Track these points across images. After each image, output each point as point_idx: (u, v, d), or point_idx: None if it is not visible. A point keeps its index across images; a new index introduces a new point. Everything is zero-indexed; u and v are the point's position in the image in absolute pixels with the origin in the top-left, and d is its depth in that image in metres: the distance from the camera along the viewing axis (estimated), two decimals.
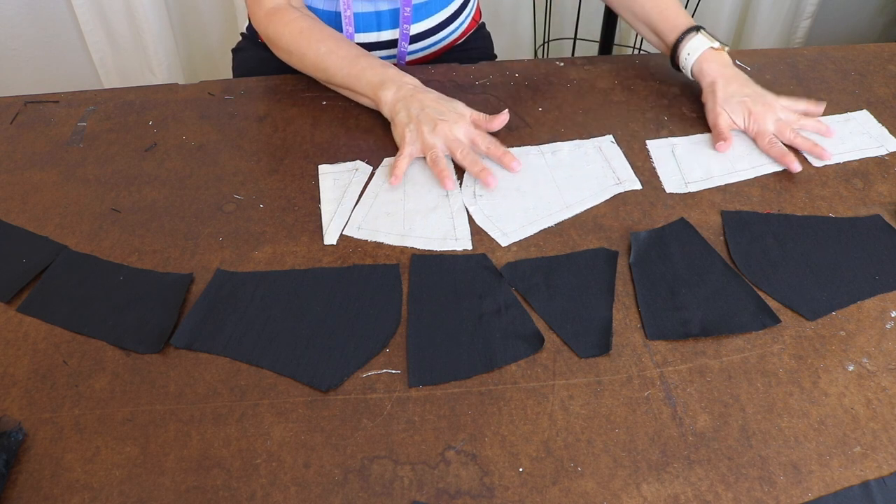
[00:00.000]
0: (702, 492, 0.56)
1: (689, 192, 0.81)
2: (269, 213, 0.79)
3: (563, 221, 0.77)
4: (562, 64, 1.01)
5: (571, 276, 0.71)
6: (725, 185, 0.82)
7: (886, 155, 0.84)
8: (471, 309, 0.69)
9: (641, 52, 1.95)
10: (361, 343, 0.66)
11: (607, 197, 0.80)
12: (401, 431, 0.60)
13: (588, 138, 0.88)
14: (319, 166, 0.84)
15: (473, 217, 0.78)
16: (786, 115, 0.87)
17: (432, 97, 0.85)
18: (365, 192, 0.81)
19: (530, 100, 0.94)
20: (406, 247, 0.74)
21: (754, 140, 0.87)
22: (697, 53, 0.90)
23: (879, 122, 0.91)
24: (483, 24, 1.22)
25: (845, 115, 0.92)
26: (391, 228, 0.76)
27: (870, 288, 0.71)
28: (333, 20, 1.01)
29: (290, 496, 0.56)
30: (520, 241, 0.75)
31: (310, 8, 1.00)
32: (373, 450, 0.59)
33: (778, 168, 0.84)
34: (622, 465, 0.58)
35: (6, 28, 1.75)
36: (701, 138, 0.89)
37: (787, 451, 0.58)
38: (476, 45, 1.18)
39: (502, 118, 0.86)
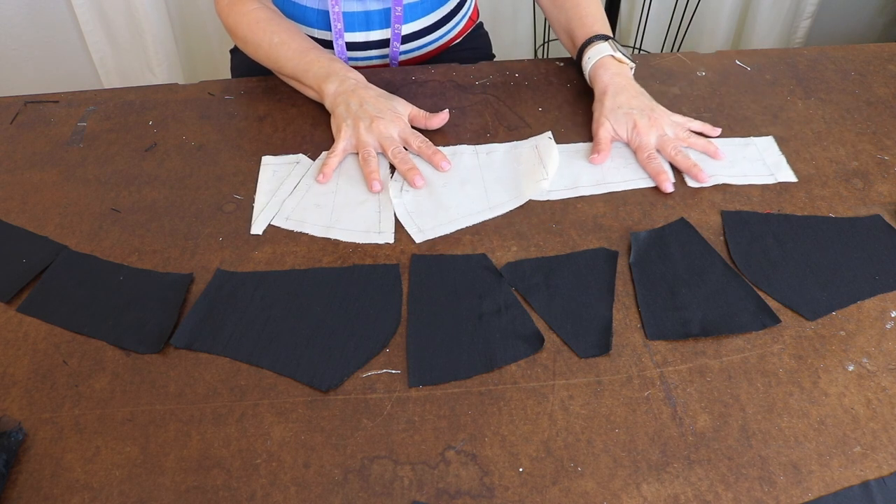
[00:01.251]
0: (702, 492, 0.56)
1: (689, 190, 0.81)
2: None
3: (486, 222, 0.77)
4: (562, 64, 1.00)
5: (571, 276, 0.71)
6: (591, 195, 0.80)
7: (774, 184, 0.80)
8: (471, 309, 0.69)
9: (641, 52, 1.95)
10: (361, 343, 0.66)
11: (528, 199, 0.79)
12: (401, 431, 0.60)
13: (527, 138, 0.88)
14: (263, 157, 0.85)
15: (396, 211, 0.78)
16: (673, 131, 0.84)
17: (373, 94, 0.86)
18: (299, 184, 0.82)
19: (530, 100, 0.94)
20: (329, 238, 0.76)
21: (635, 153, 0.84)
22: (596, 59, 0.90)
23: (780, 150, 0.86)
24: (481, 23, 1.22)
25: (747, 139, 0.88)
26: (318, 220, 0.77)
27: (870, 288, 0.71)
28: (322, 18, 1.00)
29: (290, 496, 0.56)
30: (520, 239, 0.75)
31: (298, 6, 1.00)
32: (373, 450, 0.59)
33: (651, 184, 0.81)
34: (622, 465, 0.58)
35: (6, 28, 1.75)
36: (580, 147, 0.86)
37: (787, 451, 0.58)
38: (473, 45, 1.17)
39: (441, 117, 0.87)
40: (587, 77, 0.93)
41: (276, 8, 0.98)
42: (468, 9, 1.13)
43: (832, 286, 0.71)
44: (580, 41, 0.94)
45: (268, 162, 0.84)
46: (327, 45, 1.02)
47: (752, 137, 0.88)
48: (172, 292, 0.70)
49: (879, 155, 0.86)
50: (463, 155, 0.85)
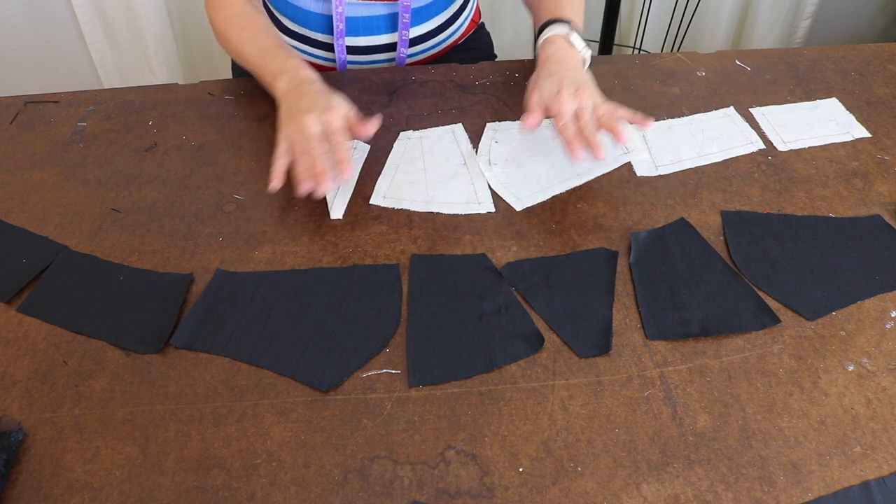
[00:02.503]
0: (702, 492, 0.56)
1: (688, 191, 0.81)
2: (269, 213, 0.79)
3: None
4: None
5: (571, 276, 0.71)
6: (696, 167, 0.84)
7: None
8: (471, 309, 0.69)
9: (641, 51, 1.95)
10: (361, 343, 0.66)
11: (616, 166, 0.84)
12: (401, 431, 0.60)
13: None
14: None
15: (490, 183, 0.82)
16: (594, 102, 0.79)
17: (314, 89, 0.81)
18: (386, 165, 0.84)
19: None
20: (432, 212, 0.78)
21: (554, 120, 0.80)
22: (548, 35, 0.88)
23: (848, 110, 0.92)
24: (482, 24, 1.22)
25: (814, 102, 0.93)
26: (415, 196, 0.80)
27: (870, 288, 0.71)
28: (325, 23, 1.00)
29: (290, 496, 0.56)
30: (520, 239, 0.75)
31: (301, 10, 0.99)
32: (373, 450, 0.59)
33: (747, 151, 0.86)
34: (622, 465, 0.58)
35: (6, 28, 1.75)
36: (669, 123, 0.90)
37: (787, 451, 0.58)
38: (476, 46, 1.17)
39: (371, 126, 0.78)
40: (537, 48, 0.90)
41: (258, 2, 0.98)
42: (470, 10, 1.14)
43: (832, 286, 0.71)
44: (543, 18, 0.92)
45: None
46: (330, 48, 1.02)
47: (817, 101, 0.93)
48: (172, 292, 0.70)
49: (879, 155, 0.86)
50: (541, 128, 0.87)
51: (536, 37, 0.92)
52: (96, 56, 1.84)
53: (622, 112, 0.79)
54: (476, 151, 0.86)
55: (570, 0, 0.94)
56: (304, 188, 0.73)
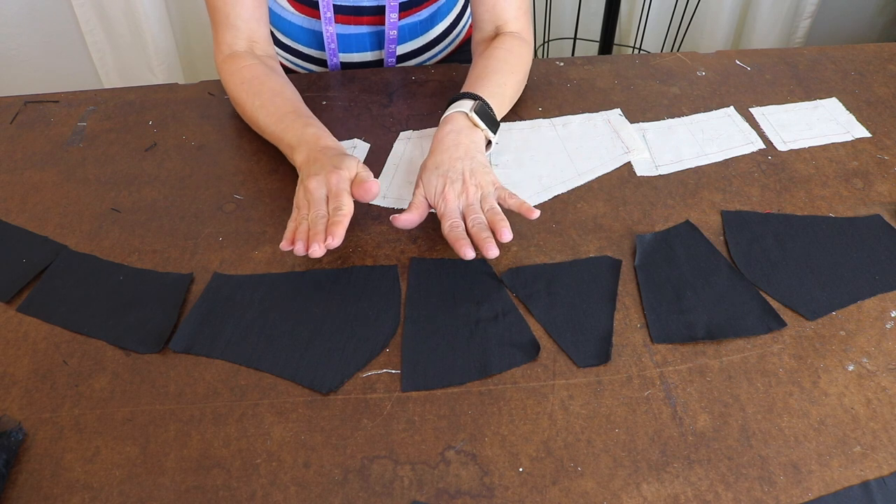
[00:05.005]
0: (702, 492, 0.56)
1: (688, 191, 0.81)
2: (269, 213, 0.79)
3: (573, 189, 0.80)
4: (562, 64, 1.00)
5: (573, 284, 0.71)
6: (696, 167, 0.84)
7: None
8: (468, 314, 0.68)
9: (641, 51, 1.95)
10: (361, 345, 0.66)
11: (617, 165, 0.84)
12: (401, 431, 0.60)
13: (597, 111, 0.91)
14: None
15: None
16: (482, 193, 0.74)
17: (330, 154, 0.75)
18: (385, 165, 0.84)
19: (530, 100, 0.94)
20: (433, 212, 0.75)
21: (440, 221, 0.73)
22: (449, 112, 0.81)
23: (848, 110, 0.93)
24: None
25: (815, 102, 0.93)
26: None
27: (870, 288, 0.71)
28: (311, 37, 1.00)
29: (290, 496, 0.56)
30: (520, 239, 0.75)
31: (285, 21, 0.99)
32: (373, 450, 0.59)
33: (747, 151, 0.86)
34: (622, 465, 0.58)
35: (6, 28, 1.75)
36: (669, 123, 0.90)
37: (787, 451, 0.58)
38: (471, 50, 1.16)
39: (371, 189, 0.72)
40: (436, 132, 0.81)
41: (272, 59, 0.91)
42: (466, 21, 1.11)
43: (832, 286, 0.71)
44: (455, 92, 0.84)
45: None
46: (320, 63, 1.02)
47: (818, 100, 0.93)
48: (172, 292, 0.70)
49: (879, 155, 0.86)
50: (542, 128, 0.89)
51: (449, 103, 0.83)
52: (96, 56, 1.84)
53: (512, 201, 0.74)
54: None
55: (500, 70, 0.86)
56: (286, 246, 0.69)
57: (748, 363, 0.65)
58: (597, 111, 0.92)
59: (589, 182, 0.82)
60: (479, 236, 0.70)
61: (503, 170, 0.84)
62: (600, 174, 0.83)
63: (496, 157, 0.85)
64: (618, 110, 0.92)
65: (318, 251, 0.67)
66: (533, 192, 0.81)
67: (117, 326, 0.67)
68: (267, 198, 0.80)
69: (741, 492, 0.56)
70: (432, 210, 0.75)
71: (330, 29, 0.96)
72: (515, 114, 0.91)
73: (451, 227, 0.71)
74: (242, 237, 0.76)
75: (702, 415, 0.61)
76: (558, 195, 0.80)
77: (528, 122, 0.90)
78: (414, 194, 0.75)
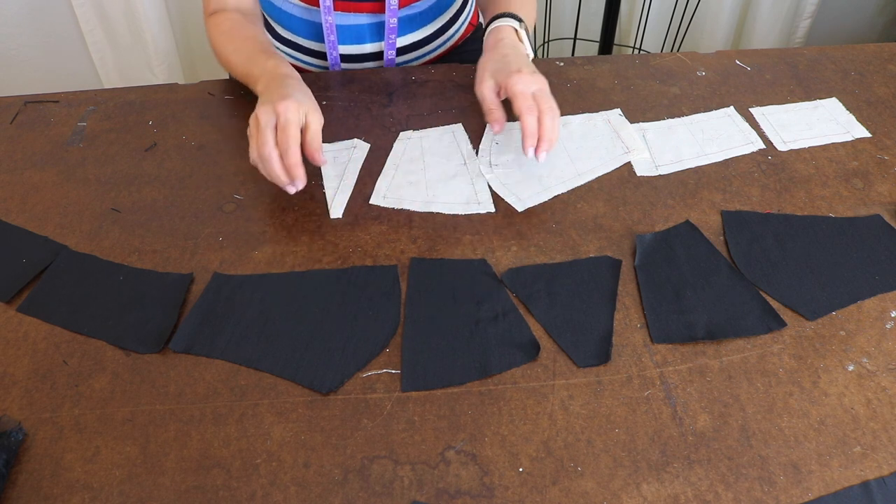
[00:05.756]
0: (702, 492, 0.56)
1: (688, 191, 0.81)
2: (269, 213, 0.79)
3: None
4: (562, 64, 1.00)
5: (574, 284, 0.71)
6: (696, 167, 0.84)
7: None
8: (468, 314, 0.68)
9: (641, 51, 1.95)
10: (361, 345, 0.66)
11: (617, 165, 0.84)
12: (401, 431, 0.60)
13: (597, 111, 0.92)
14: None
15: (491, 185, 0.82)
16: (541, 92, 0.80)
17: (286, 83, 0.78)
18: (386, 165, 0.84)
19: None
20: (432, 212, 0.78)
21: (512, 99, 0.79)
22: (498, 24, 0.88)
23: (848, 110, 0.93)
24: (480, 24, 1.21)
25: (815, 102, 0.93)
26: (416, 196, 0.80)
27: (870, 288, 0.71)
28: (310, 28, 1.00)
29: (290, 496, 0.56)
30: (520, 239, 0.75)
31: (284, 13, 0.99)
32: (373, 450, 0.59)
33: (747, 151, 0.86)
34: (622, 465, 0.58)
35: (6, 28, 1.75)
36: (669, 123, 0.90)
37: (787, 451, 0.58)
38: (473, 48, 1.16)
39: (315, 162, 0.77)
40: (485, 39, 0.90)
41: (252, 14, 0.97)
42: (468, 13, 1.12)
43: (832, 286, 0.71)
44: (495, 13, 0.91)
45: (326, 149, 0.85)
46: (319, 55, 1.02)
47: (818, 100, 0.93)
48: (172, 292, 0.70)
49: (879, 155, 0.86)
50: None
51: (485, 28, 0.91)
52: (96, 56, 1.83)
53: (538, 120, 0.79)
54: (476, 152, 0.86)
55: (522, 1, 0.94)
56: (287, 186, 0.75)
57: (748, 363, 0.65)
58: (597, 111, 0.92)
59: (589, 182, 0.82)
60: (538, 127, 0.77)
61: (503, 170, 0.83)
62: (600, 174, 0.83)
63: (496, 157, 0.85)
64: (618, 110, 0.92)
65: (289, 189, 0.75)
66: (533, 192, 0.81)
67: (117, 326, 0.67)
68: (267, 198, 0.80)
69: (741, 492, 0.56)
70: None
71: (329, 19, 0.96)
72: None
73: (530, 108, 0.77)
74: (242, 237, 0.76)
75: (702, 415, 0.61)
76: (558, 195, 0.80)
77: None
78: (484, 97, 0.82)
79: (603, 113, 0.92)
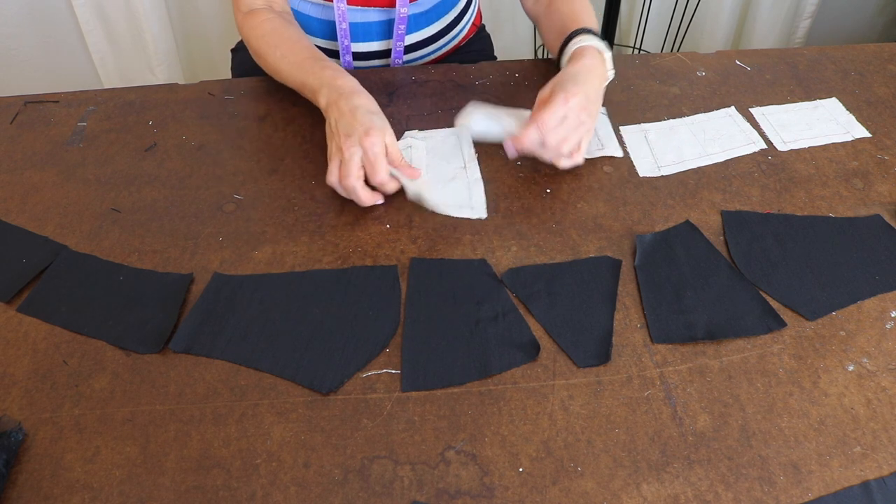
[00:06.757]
0: (702, 492, 0.56)
1: (688, 191, 0.81)
2: (269, 213, 0.79)
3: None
4: None
5: (574, 284, 0.71)
6: (697, 167, 0.84)
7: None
8: (468, 314, 0.68)
9: (641, 51, 1.95)
10: (361, 345, 0.66)
11: (592, 157, 0.85)
12: (401, 431, 0.60)
13: None
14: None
15: (485, 189, 0.81)
16: (578, 128, 0.80)
17: (347, 108, 0.78)
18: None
19: (530, 100, 0.93)
20: (430, 212, 0.78)
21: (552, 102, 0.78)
22: (584, 44, 0.85)
23: (848, 110, 0.93)
24: (483, 26, 1.22)
25: (815, 102, 0.93)
26: (412, 191, 0.80)
27: (870, 288, 0.71)
28: (325, 28, 1.00)
29: (290, 496, 0.56)
30: (520, 239, 0.75)
31: (301, 14, 0.99)
32: (373, 450, 0.59)
33: (748, 151, 0.86)
34: (622, 465, 0.58)
35: (6, 28, 1.75)
36: (671, 124, 0.90)
37: (787, 451, 0.58)
38: (476, 48, 1.17)
39: (412, 172, 0.79)
40: (564, 56, 0.87)
41: (288, 14, 0.96)
42: (472, 14, 1.13)
43: (832, 286, 0.71)
44: (571, 29, 0.89)
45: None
46: (331, 54, 1.03)
47: (818, 100, 0.93)
48: (172, 292, 0.70)
49: (879, 155, 0.86)
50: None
51: (565, 44, 0.88)
52: (96, 56, 1.84)
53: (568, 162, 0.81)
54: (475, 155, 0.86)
55: (586, 10, 0.93)
56: (365, 200, 0.77)
57: (748, 363, 0.65)
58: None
59: (588, 182, 0.82)
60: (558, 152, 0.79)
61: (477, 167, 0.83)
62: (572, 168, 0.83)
63: (469, 152, 0.85)
64: (602, 110, 0.91)
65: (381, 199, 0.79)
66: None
67: (117, 326, 0.67)
68: (267, 198, 0.81)
69: (741, 492, 0.56)
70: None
71: (343, 25, 0.97)
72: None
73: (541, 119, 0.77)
74: (242, 237, 0.76)
75: (702, 415, 0.61)
76: (553, 194, 0.80)
77: None
78: (540, 97, 0.81)
79: None
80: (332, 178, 0.77)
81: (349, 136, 0.76)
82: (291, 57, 0.88)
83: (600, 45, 0.86)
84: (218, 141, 0.88)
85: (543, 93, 0.81)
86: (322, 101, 0.82)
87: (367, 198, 0.77)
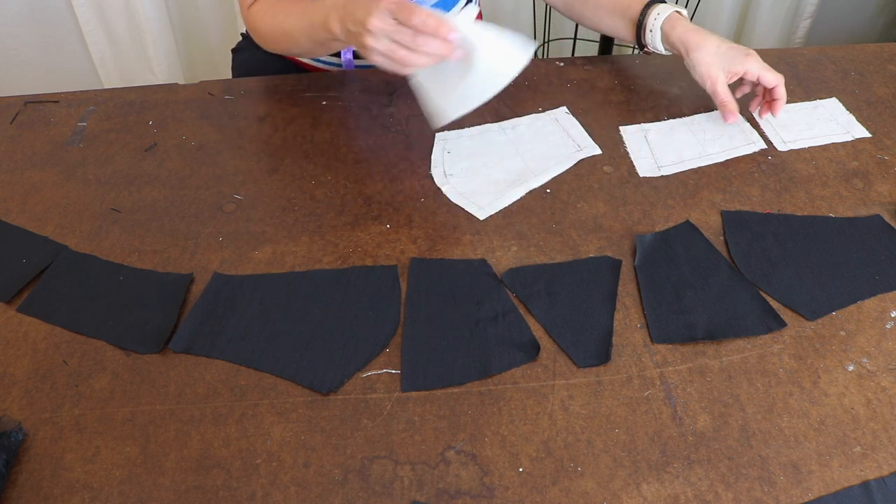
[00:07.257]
0: (702, 492, 0.56)
1: (688, 191, 0.81)
2: (269, 213, 0.79)
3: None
4: (562, 64, 1.00)
5: (574, 284, 0.71)
6: (697, 168, 0.84)
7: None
8: (468, 314, 0.68)
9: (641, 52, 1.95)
10: (361, 345, 0.66)
11: (571, 164, 0.84)
12: (401, 431, 0.60)
13: (544, 111, 0.92)
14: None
15: (448, 196, 0.80)
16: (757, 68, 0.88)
17: None
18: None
19: (530, 100, 0.94)
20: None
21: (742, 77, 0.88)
22: (666, 14, 0.91)
23: (848, 110, 0.93)
24: None
25: (815, 101, 0.94)
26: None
27: (870, 288, 0.71)
28: None
29: (290, 496, 0.56)
30: (520, 239, 0.75)
31: None
32: (373, 450, 0.59)
33: (748, 151, 0.86)
34: (622, 465, 0.58)
35: (6, 28, 1.75)
36: (671, 124, 0.90)
37: (787, 451, 0.58)
38: None
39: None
40: (656, 38, 0.92)
41: None
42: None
43: (832, 286, 0.71)
44: (633, 9, 0.94)
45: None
46: (333, 54, 1.02)
47: (818, 100, 0.93)
48: (172, 292, 0.70)
49: (879, 155, 0.86)
50: (491, 133, 0.88)
51: (640, 19, 0.93)
52: (96, 56, 1.84)
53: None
54: (431, 164, 0.84)
55: None
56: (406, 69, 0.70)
57: (748, 363, 0.65)
58: (595, 111, 0.92)
59: (588, 182, 0.82)
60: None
61: (458, 179, 0.82)
62: (555, 174, 0.83)
63: (450, 166, 0.83)
64: (564, 108, 0.92)
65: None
66: (491, 199, 0.79)
67: (117, 326, 0.67)
68: (267, 198, 0.81)
69: (741, 492, 0.56)
70: None
71: None
72: (514, 112, 0.91)
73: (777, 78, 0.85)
74: (242, 237, 0.76)
75: (702, 415, 0.61)
76: (518, 199, 0.80)
77: (476, 128, 0.89)
78: (718, 93, 0.87)
79: (550, 112, 0.91)
80: (379, 59, 0.68)
81: (375, 10, 0.67)
82: (294, 12, 0.84)
83: (673, 8, 0.92)
84: (218, 141, 0.88)
85: (718, 83, 0.86)
86: (335, 25, 0.74)
87: (442, 48, 0.67)
